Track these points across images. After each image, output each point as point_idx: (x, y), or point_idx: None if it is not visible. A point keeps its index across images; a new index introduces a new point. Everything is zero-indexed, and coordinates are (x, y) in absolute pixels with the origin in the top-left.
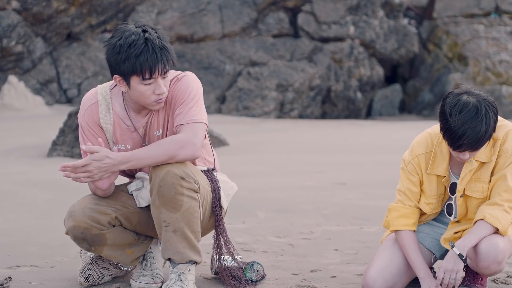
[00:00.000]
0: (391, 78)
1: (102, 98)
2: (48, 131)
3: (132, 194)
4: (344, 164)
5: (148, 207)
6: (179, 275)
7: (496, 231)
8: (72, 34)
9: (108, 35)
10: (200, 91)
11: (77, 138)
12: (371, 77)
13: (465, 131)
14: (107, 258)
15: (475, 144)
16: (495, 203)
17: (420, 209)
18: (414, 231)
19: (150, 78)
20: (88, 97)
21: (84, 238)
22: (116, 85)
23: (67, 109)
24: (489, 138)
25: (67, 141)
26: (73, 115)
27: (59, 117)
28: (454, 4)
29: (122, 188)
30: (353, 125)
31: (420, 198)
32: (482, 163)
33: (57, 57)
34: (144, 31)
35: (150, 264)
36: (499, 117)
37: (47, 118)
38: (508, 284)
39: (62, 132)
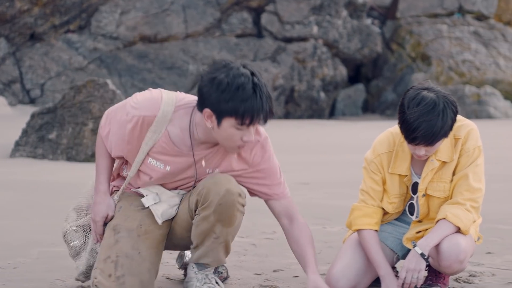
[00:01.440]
0: (354, 78)
1: (162, 117)
2: (11, 132)
3: (147, 207)
4: (307, 164)
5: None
6: (206, 275)
7: (458, 230)
8: (35, 35)
9: (71, 36)
10: None
11: (40, 139)
12: (334, 77)
13: (420, 124)
14: None
15: (429, 138)
16: (457, 202)
17: (383, 208)
18: (376, 230)
19: (248, 125)
20: (149, 106)
21: None
22: (183, 108)
23: (30, 109)
24: (445, 135)
25: (30, 141)
26: (36, 116)
27: (22, 118)
28: (417, 4)
29: (148, 229)
30: (316, 125)
31: (383, 198)
32: (444, 163)
33: (20, 57)
34: (252, 73)
35: None
36: (460, 117)
37: (10, 119)
38: (470, 283)
39: (25, 132)
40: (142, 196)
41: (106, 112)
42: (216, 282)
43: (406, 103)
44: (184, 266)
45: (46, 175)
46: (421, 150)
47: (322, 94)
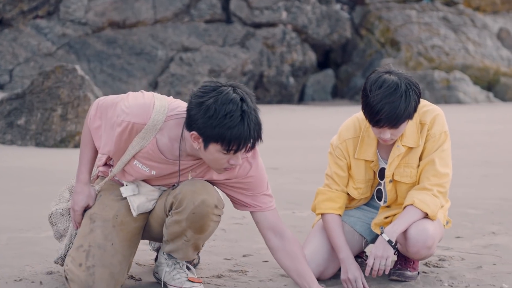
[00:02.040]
0: (323, 63)
1: (152, 125)
2: None
3: (125, 198)
4: (276, 149)
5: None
6: (178, 261)
7: (426, 216)
8: (4, 20)
9: (40, 21)
10: None
11: (8, 125)
12: (303, 62)
13: (383, 106)
14: None
15: (393, 120)
16: (424, 187)
17: (348, 194)
18: (339, 214)
19: (235, 152)
20: (139, 113)
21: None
22: (175, 119)
23: None
24: (408, 117)
25: None
26: (4, 102)
27: None
28: None
29: (124, 219)
30: (285, 110)
31: (348, 183)
32: (410, 148)
33: None
34: (242, 99)
35: None
36: (426, 102)
37: None
38: (440, 267)
39: None
40: (123, 185)
41: (96, 103)
42: (187, 268)
43: (368, 87)
44: (157, 249)
45: (15, 161)
46: (386, 133)
47: (291, 80)
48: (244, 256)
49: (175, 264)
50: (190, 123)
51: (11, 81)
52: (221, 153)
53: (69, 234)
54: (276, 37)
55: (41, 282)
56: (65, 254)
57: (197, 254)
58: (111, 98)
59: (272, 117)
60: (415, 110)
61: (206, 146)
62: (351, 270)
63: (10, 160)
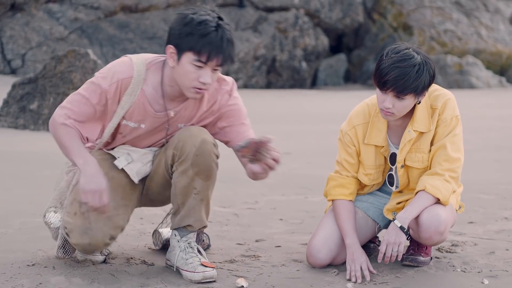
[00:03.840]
0: (336, 47)
1: (137, 76)
2: None
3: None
4: (289, 134)
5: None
6: (189, 243)
7: (438, 201)
8: (16, 5)
9: (52, 6)
10: None
11: (21, 109)
12: (316, 46)
13: (394, 69)
14: None
15: (399, 86)
16: (435, 173)
17: (359, 179)
18: (350, 200)
19: (204, 62)
20: (123, 69)
21: (95, 252)
22: (153, 65)
23: (11, 80)
24: (415, 90)
25: (11, 112)
26: (17, 86)
27: (3, 88)
28: None
29: (115, 175)
30: (298, 94)
31: (358, 169)
32: (421, 133)
33: (1, 27)
34: (220, 18)
35: None
36: (437, 86)
37: None
38: (452, 252)
39: (6, 103)
40: (114, 158)
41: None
42: (199, 251)
43: (385, 52)
44: (163, 244)
45: (27, 145)
46: (389, 101)
47: (304, 64)
48: (256, 241)
49: (187, 247)
50: (168, 37)
51: (24, 65)
52: (191, 64)
53: (62, 224)
54: (288, 21)
55: (54, 267)
56: (63, 243)
57: (207, 216)
58: (72, 95)
59: (284, 102)
60: (423, 88)
61: (179, 57)
62: (356, 255)
63: (22, 144)
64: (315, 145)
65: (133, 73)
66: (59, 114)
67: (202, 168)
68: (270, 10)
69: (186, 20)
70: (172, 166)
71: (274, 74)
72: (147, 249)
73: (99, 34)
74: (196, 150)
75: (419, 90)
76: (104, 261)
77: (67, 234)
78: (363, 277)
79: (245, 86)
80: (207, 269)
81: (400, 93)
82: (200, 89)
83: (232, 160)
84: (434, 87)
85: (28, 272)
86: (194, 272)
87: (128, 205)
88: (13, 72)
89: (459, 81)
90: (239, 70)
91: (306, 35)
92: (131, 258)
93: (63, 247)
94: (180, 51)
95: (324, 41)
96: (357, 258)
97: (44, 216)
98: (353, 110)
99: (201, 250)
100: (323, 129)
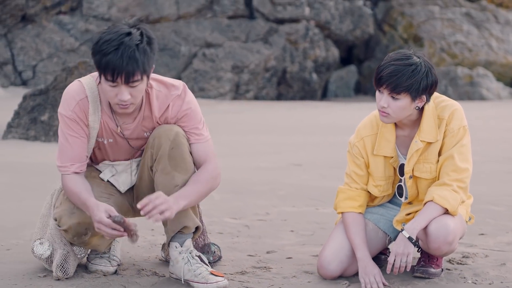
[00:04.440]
0: (346, 59)
1: (91, 94)
2: (3, 114)
3: (108, 181)
4: (300, 145)
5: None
6: (190, 253)
7: (446, 212)
8: (27, 16)
9: (63, 17)
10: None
11: (32, 121)
12: (326, 58)
13: (389, 66)
14: (89, 248)
15: (392, 82)
16: (444, 183)
17: (369, 191)
18: (360, 213)
19: (112, 81)
20: (75, 91)
21: (86, 233)
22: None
23: (22, 91)
24: (409, 89)
25: (22, 123)
26: (28, 98)
27: (14, 100)
28: None
29: (95, 174)
30: (308, 106)
31: (368, 181)
32: (429, 144)
33: (12, 39)
34: (128, 34)
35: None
36: (445, 97)
37: (2, 101)
38: (463, 264)
39: (17, 114)
40: (99, 171)
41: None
42: (201, 259)
43: (387, 56)
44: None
45: (38, 156)
46: (384, 100)
47: (314, 76)
48: (267, 252)
49: (190, 259)
50: None
51: (34, 77)
52: (107, 84)
53: (52, 240)
54: (299, 33)
55: (65, 279)
56: (61, 260)
57: (196, 215)
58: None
59: (295, 113)
60: (418, 89)
61: (99, 76)
62: (369, 268)
63: (33, 156)
64: (326, 156)
65: (86, 93)
66: (59, 167)
67: (178, 161)
68: (280, 21)
69: (96, 39)
70: (151, 167)
71: (284, 86)
72: (158, 260)
73: None
74: (171, 143)
75: (413, 90)
76: (115, 272)
77: (58, 224)
78: None
79: (256, 97)
80: (219, 278)
81: (393, 90)
82: (122, 105)
83: (242, 171)
84: (441, 97)
85: (40, 284)
86: (207, 283)
87: (115, 197)
88: (24, 83)
89: (469, 92)
90: (250, 82)
91: (317, 47)
92: (142, 269)
93: (61, 266)
94: (98, 71)
95: (334, 53)
96: (370, 271)
97: (32, 250)
98: (361, 122)
99: (203, 257)
100: (334, 141)
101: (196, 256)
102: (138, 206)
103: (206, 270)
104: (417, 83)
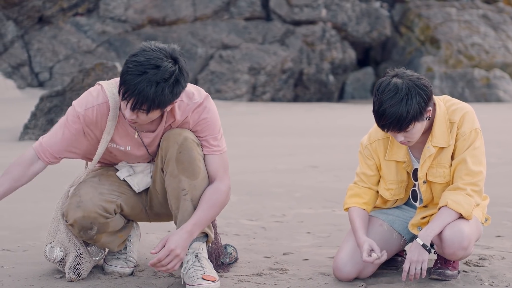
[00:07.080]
0: (363, 61)
1: (113, 100)
2: (20, 115)
3: (124, 180)
4: (316, 147)
5: (142, 191)
6: (196, 255)
7: (461, 216)
8: (44, 18)
9: (80, 19)
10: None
11: (49, 122)
12: (343, 60)
13: (384, 111)
14: (100, 246)
15: (396, 125)
16: (457, 187)
17: (378, 192)
18: (364, 209)
19: (123, 100)
20: (97, 95)
21: (92, 228)
22: None
23: (38, 92)
24: (414, 119)
25: (39, 124)
26: (44, 99)
27: (30, 101)
28: None
29: (112, 173)
30: (325, 108)
31: (378, 182)
32: (441, 148)
33: (29, 40)
34: (157, 67)
35: (125, 247)
36: (456, 100)
37: (19, 102)
38: (480, 266)
39: (34, 115)
40: (117, 170)
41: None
42: (206, 261)
43: (374, 92)
44: None
45: None
46: (399, 137)
47: (331, 77)
48: (284, 254)
49: (195, 262)
50: None
51: (51, 78)
52: (123, 103)
53: (62, 240)
54: (315, 34)
55: (81, 280)
56: (74, 263)
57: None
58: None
59: (312, 115)
60: (421, 112)
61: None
62: (364, 240)
63: None
64: (343, 158)
65: (107, 98)
66: (35, 145)
67: (186, 165)
68: (297, 23)
69: (135, 51)
70: (163, 170)
71: (301, 87)
72: None
73: (126, 47)
74: (178, 147)
75: (417, 115)
76: (132, 274)
77: (65, 219)
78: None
79: (273, 99)
80: (206, 282)
81: (400, 129)
82: (132, 122)
83: (259, 173)
84: (452, 101)
85: (56, 285)
86: (192, 285)
87: (127, 197)
88: (40, 85)
89: (486, 94)
90: (266, 84)
91: (333, 49)
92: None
93: (74, 268)
94: None
95: (351, 55)
96: (366, 242)
97: (45, 254)
98: (374, 125)
99: (208, 262)
100: (351, 143)
101: (201, 257)
102: (149, 265)
103: (201, 274)
104: (415, 109)
